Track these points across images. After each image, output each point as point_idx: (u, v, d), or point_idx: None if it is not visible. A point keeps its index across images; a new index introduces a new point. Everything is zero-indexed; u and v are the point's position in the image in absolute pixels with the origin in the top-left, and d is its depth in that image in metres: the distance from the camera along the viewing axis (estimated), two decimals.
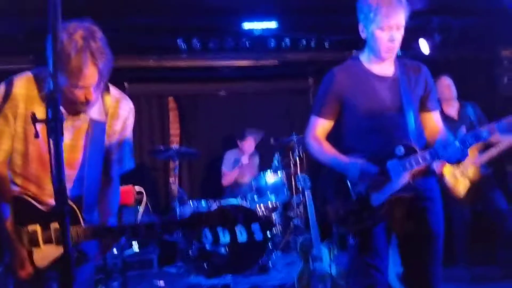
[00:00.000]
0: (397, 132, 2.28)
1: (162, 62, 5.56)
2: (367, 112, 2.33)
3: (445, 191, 4.34)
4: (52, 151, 1.29)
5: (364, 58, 2.42)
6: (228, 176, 5.81)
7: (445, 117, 4.30)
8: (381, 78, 2.36)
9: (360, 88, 2.35)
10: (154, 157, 5.86)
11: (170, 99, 6.58)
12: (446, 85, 4.41)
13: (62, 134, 1.36)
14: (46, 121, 1.35)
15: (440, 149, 2.17)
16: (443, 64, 5.61)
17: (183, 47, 5.26)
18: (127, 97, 2.08)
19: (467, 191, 4.26)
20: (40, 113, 1.49)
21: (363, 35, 2.35)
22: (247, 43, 5.39)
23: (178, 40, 5.21)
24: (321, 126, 2.44)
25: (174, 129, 6.60)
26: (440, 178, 4.21)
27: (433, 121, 2.42)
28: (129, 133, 2.11)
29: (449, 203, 4.39)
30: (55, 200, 1.29)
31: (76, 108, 1.85)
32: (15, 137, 1.88)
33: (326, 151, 2.39)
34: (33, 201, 1.93)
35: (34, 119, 1.49)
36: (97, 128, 1.95)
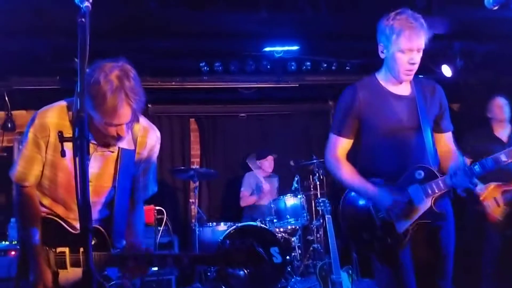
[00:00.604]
0: (415, 152, 2.29)
1: (184, 84, 5.65)
2: (385, 131, 2.33)
3: (482, 215, 4.30)
4: (78, 168, 1.32)
5: (381, 76, 2.42)
6: (247, 199, 5.83)
7: (495, 138, 4.25)
8: (399, 97, 2.37)
9: (379, 106, 2.35)
10: (174, 177, 5.90)
11: (192, 120, 6.66)
12: (499, 106, 4.33)
13: (88, 153, 1.40)
14: (72, 139, 1.39)
15: (450, 177, 2.18)
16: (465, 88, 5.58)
17: (205, 69, 5.34)
18: (154, 127, 2.16)
19: (504, 217, 4.20)
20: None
21: (382, 55, 2.37)
22: (268, 65, 5.45)
23: (200, 63, 5.30)
24: (342, 145, 2.42)
25: (195, 149, 6.67)
26: (479, 201, 4.22)
27: (445, 142, 2.44)
28: (154, 160, 2.18)
29: (483, 227, 4.34)
30: (79, 216, 1.31)
31: (107, 141, 1.92)
32: (45, 164, 1.95)
33: (351, 176, 2.36)
34: (63, 223, 1.98)
35: (61, 138, 1.55)
36: (126, 156, 2.02)
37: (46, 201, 2.02)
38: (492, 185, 4.35)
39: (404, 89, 2.38)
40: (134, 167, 2.07)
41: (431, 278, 2.32)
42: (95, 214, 2.03)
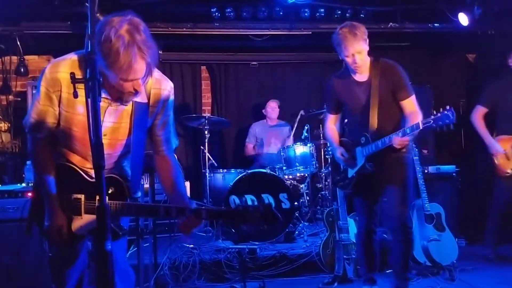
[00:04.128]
0: (365, 125, 3.12)
1: (195, 30, 5.58)
2: (352, 109, 3.27)
3: (491, 168, 4.34)
4: (90, 108, 1.35)
5: (350, 70, 3.19)
6: (250, 150, 6.02)
7: None
8: (359, 83, 3.18)
9: (347, 91, 3.24)
10: (185, 124, 5.95)
11: (203, 68, 6.64)
12: None
13: (100, 94, 1.43)
14: (84, 80, 1.42)
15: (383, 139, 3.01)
16: (482, 38, 5.44)
17: (216, 15, 5.26)
18: (167, 78, 2.12)
19: None
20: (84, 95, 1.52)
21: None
22: (280, 12, 5.34)
23: (212, 9, 5.21)
24: (330, 119, 3.47)
25: (206, 98, 6.68)
26: (489, 154, 4.39)
27: (408, 106, 3.09)
28: (171, 113, 2.15)
29: (492, 180, 4.40)
30: (92, 154, 1.36)
31: (123, 97, 1.90)
32: (60, 118, 1.96)
33: (330, 137, 3.44)
34: (79, 170, 2.02)
35: (73, 79, 1.57)
36: (140, 110, 2.01)
37: (62, 151, 2.04)
38: (503, 137, 4.35)
39: (363, 76, 3.15)
40: (148, 120, 2.07)
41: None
42: (111, 166, 2.08)
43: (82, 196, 1.98)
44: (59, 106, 1.93)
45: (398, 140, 2.92)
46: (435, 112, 2.80)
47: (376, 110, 3.10)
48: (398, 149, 3.05)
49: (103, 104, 1.89)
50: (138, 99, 1.98)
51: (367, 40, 3.08)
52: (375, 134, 3.08)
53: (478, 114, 4.48)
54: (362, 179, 3.22)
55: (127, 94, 1.86)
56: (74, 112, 1.93)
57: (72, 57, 1.91)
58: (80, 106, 1.91)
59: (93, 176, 1.84)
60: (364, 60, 3.08)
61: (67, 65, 1.88)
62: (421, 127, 2.81)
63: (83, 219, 1.97)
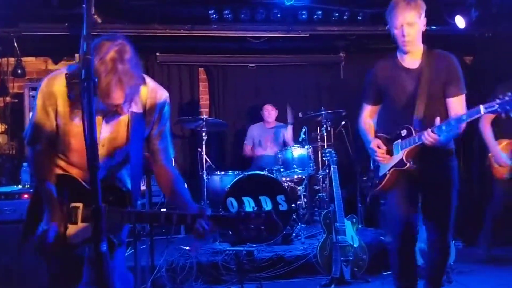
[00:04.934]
0: (408, 117, 2.74)
1: (193, 32, 5.59)
2: (394, 99, 2.84)
3: (489, 170, 4.33)
4: (85, 109, 1.35)
5: (398, 52, 2.86)
6: (248, 152, 6.03)
7: None
8: (408, 70, 2.80)
9: (392, 78, 2.84)
10: (183, 126, 5.95)
11: (201, 70, 6.63)
12: None
13: (95, 94, 1.43)
14: (79, 81, 1.42)
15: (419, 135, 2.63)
16: (479, 40, 5.46)
17: (214, 17, 5.27)
18: (161, 88, 2.16)
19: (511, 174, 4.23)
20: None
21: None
22: (278, 14, 5.35)
23: (209, 11, 5.22)
24: (367, 110, 3.04)
25: (204, 100, 6.68)
26: (488, 157, 4.33)
27: (452, 106, 2.74)
28: (167, 122, 2.18)
29: (490, 182, 4.38)
30: (87, 154, 1.35)
31: (114, 109, 1.93)
32: (57, 131, 2.00)
33: (365, 130, 3.00)
34: (79, 180, 2.03)
35: (69, 79, 1.57)
36: (137, 119, 2.05)
37: (62, 163, 2.07)
38: (504, 141, 4.34)
39: (413, 63, 2.79)
40: (145, 129, 2.10)
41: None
42: (110, 175, 2.11)
43: (81, 205, 1.99)
44: (56, 120, 1.98)
45: (430, 136, 2.55)
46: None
47: (423, 101, 2.72)
48: (443, 151, 2.73)
49: (98, 115, 1.94)
50: (134, 109, 2.02)
51: (423, 16, 2.71)
52: (420, 127, 2.69)
53: (486, 121, 4.28)
54: (396, 179, 2.81)
55: (115, 109, 1.91)
56: (71, 124, 1.98)
57: (66, 72, 1.96)
58: (77, 118, 1.95)
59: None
60: (415, 36, 2.71)
61: (62, 78, 1.92)
62: (482, 112, 2.42)
63: (79, 226, 1.97)
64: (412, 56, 2.79)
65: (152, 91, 2.09)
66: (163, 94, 2.13)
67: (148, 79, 2.10)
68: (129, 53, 1.84)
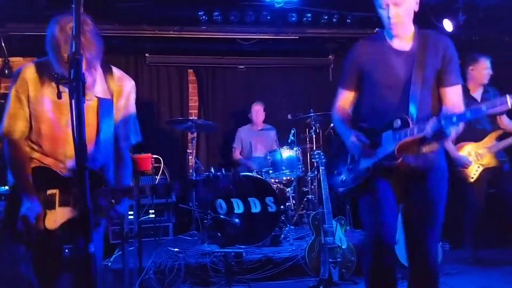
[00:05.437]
0: (403, 104, 2.35)
1: (182, 33, 5.58)
2: (381, 84, 2.43)
3: (459, 175, 4.36)
4: (74, 109, 1.34)
5: (385, 32, 2.48)
6: (236, 154, 6.01)
7: (471, 98, 4.26)
8: (398, 52, 2.42)
9: (378, 60, 2.44)
10: (172, 128, 5.93)
11: (190, 71, 6.62)
12: (481, 68, 4.34)
13: (84, 94, 1.42)
14: (68, 81, 1.41)
15: (422, 124, 2.21)
16: (467, 43, 5.51)
17: (204, 18, 5.26)
18: (128, 76, 2.29)
19: (478, 176, 4.27)
20: (51, 92, 1.87)
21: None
22: (268, 16, 5.36)
23: (199, 12, 5.21)
24: (344, 97, 2.61)
25: (193, 101, 6.67)
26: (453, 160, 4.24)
27: (449, 96, 2.40)
28: (132, 109, 2.29)
29: (465, 186, 4.42)
30: (75, 155, 1.35)
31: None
32: (31, 118, 2.07)
33: (340, 118, 2.58)
34: (54, 168, 2.09)
35: (58, 80, 1.57)
36: (105, 105, 2.14)
37: (36, 155, 2.11)
38: (463, 144, 4.36)
39: (405, 45, 2.42)
40: (113, 114, 2.18)
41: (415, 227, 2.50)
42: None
43: (57, 191, 2.05)
44: (28, 107, 2.06)
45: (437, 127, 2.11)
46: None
47: (419, 88, 2.34)
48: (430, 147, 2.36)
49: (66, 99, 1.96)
50: (101, 94, 2.12)
51: None
52: (416, 118, 2.31)
53: None
54: (380, 174, 2.40)
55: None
56: (42, 110, 2.05)
57: (35, 62, 2.11)
58: (48, 102, 2.04)
59: (65, 173, 2.05)
60: (402, 18, 2.34)
61: (32, 67, 2.07)
62: (509, 105, 1.99)
63: (57, 212, 2.03)
64: (402, 39, 2.43)
65: (119, 80, 2.22)
66: (129, 83, 2.27)
67: (114, 69, 2.22)
68: (89, 26, 1.95)
